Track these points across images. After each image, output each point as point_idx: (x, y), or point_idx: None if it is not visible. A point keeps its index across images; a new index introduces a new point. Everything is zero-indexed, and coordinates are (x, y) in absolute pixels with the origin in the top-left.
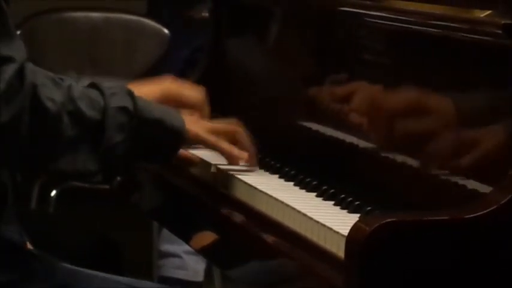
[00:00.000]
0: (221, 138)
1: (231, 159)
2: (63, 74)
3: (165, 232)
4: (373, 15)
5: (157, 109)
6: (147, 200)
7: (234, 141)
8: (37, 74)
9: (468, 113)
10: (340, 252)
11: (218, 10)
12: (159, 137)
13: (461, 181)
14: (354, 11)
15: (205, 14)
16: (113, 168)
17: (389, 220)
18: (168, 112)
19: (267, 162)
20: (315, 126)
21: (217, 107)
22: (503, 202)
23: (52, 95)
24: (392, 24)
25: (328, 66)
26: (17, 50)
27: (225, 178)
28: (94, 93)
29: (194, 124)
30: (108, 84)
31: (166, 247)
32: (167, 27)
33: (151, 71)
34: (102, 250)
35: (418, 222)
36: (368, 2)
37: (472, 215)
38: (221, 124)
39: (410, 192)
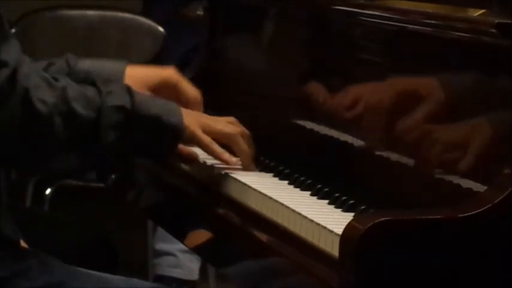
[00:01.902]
0: (216, 139)
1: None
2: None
3: (160, 231)
4: (366, 13)
5: (155, 105)
6: (142, 199)
7: (230, 143)
8: (30, 77)
9: (462, 111)
10: (335, 251)
11: (213, 8)
12: (156, 134)
13: (456, 180)
14: (348, 10)
15: (200, 13)
16: (108, 165)
17: (383, 219)
18: (166, 108)
19: (261, 161)
20: (309, 124)
21: (212, 105)
22: (497, 201)
23: (44, 96)
24: (385, 23)
25: (323, 65)
26: (11, 54)
27: (219, 176)
28: (91, 92)
29: (192, 121)
30: (108, 78)
31: (161, 246)
32: (162, 26)
33: None
34: (97, 248)
35: (412, 221)
36: (362, 1)
37: (466, 214)
38: (219, 124)
39: (405, 191)
